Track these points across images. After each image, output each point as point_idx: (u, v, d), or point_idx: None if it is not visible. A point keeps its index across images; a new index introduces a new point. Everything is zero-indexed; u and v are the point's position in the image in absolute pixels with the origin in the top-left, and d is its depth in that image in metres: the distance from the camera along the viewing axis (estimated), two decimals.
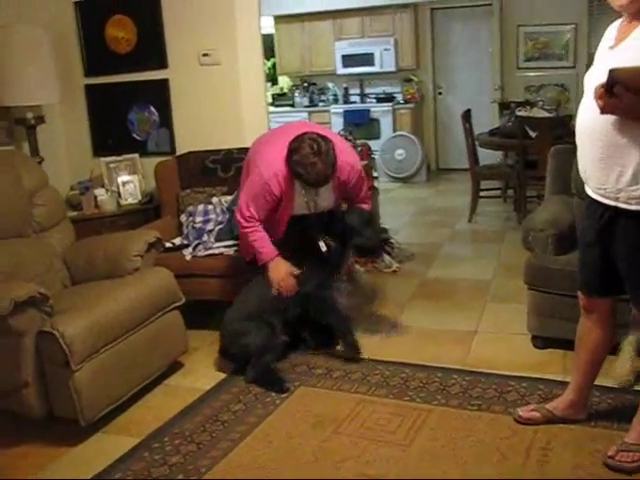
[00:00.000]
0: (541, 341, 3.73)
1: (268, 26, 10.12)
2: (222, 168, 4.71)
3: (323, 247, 3.77)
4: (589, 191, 2.62)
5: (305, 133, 3.54)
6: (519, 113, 6.27)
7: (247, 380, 3.55)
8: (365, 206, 3.93)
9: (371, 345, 3.91)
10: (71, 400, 2.98)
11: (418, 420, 3.07)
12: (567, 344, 3.53)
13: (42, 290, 2.99)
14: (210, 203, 4.53)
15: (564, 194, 4.07)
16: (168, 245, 4.30)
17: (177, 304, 3.66)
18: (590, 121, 2.46)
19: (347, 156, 3.73)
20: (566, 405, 2.94)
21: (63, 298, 3.42)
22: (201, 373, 3.75)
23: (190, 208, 4.53)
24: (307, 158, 3.44)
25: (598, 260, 2.65)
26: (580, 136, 2.56)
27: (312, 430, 3.06)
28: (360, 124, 9.39)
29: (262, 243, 3.66)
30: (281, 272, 3.66)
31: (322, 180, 3.53)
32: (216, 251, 4.18)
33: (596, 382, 2.92)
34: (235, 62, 4.75)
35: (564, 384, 3.20)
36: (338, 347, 3.86)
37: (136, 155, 5.05)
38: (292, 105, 10.32)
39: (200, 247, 4.25)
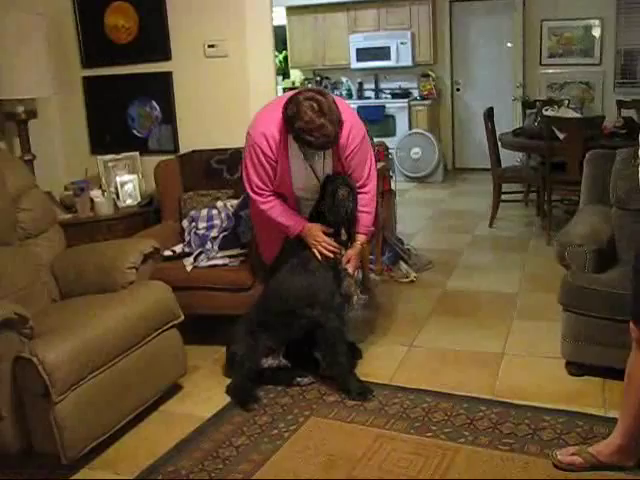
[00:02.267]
0: (577, 368, 3.36)
1: (280, 17, 9.76)
2: (228, 169, 4.35)
3: (344, 235, 3.44)
4: None
5: (299, 93, 3.16)
6: (546, 113, 5.88)
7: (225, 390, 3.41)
8: (367, 188, 3.47)
9: (388, 368, 3.57)
10: (52, 435, 2.64)
11: (443, 462, 2.72)
12: (606, 372, 3.24)
13: (20, 311, 2.64)
14: (214, 207, 4.17)
15: (600, 204, 3.73)
16: (167, 253, 3.96)
17: (175, 322, 3.31)
18: None
19: (346, 114, 3.28)
20: (612, 450, 2.58)
21: (48, 316, 3.10)
22: (201, 397, 3.41)
23: (193, 212, 4.17)
24: (313, 122, 3.04)
25: None
26: None
27: (323, 472, 2.71)
28: (375, 121, 8.99)
29: (286, 216, 3.35)
30: (317, 236, 3.33)
31: (331, 141, 3.13)
32: (219, 262, 3.83)
33: None
34: (244, 54, 4.38)
35: (605, 420, 2.90)
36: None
37: (136, 153, 4.70)
38: None
39: (202, 256, 3.89)
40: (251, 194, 3.34)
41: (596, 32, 8.22)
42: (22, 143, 4.35)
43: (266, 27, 4.50)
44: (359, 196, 3.41)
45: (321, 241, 3.34)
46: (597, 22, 8.18)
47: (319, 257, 3.34)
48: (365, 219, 3.49)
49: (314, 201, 3.43)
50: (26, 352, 2.61)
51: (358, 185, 3.42)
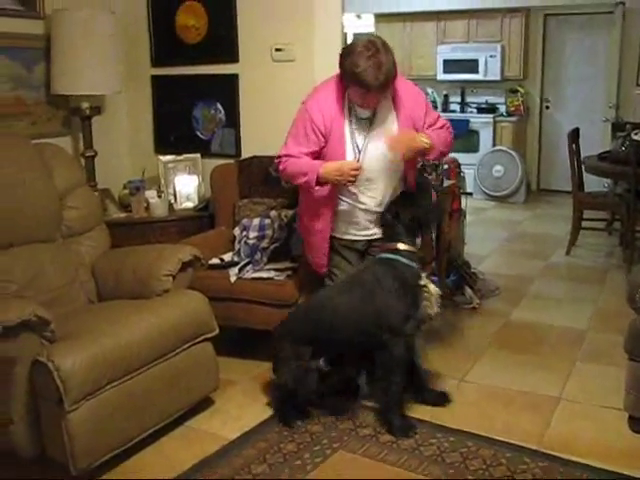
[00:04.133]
0: None
1: (369, 24, 9.60)
2: None
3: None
4: None
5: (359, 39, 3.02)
6: (635, 137, 5.46)
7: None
8: (445, 134, 3.25)
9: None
10: (63, 444, 2.54)
11: None
12: None
13: (40, 313, 2.55)
14: (268, 217, 4.02)
15: None
16: (215, 261, 3.84)
17: (209, 336, 3.17)
18: None
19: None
20: None
21: (79, 318, 3.01)
22: (230, 415, 3.26)
23: (245, 221, 4.04)
24: (362, 55, 2.87)
25: None
26: None
27: None
28: (458, 135, 8.64)
29: (303, 165, 3.09)
30: (338, 169, 3.04)
31: (384, 78, 2.88)
32: (264, 274, 3.67)
33: None
34: (311, 59, 4.21)
35: None
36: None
37: (197, 155, 4.61)
38: None
39: (249, 267, 3.75)
40: (281, 158, 3.14)
41: None
42: (85, 139, 4.33)
43: (335, 32, 4.31)
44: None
45: (340, 175, 3.04)
46: None
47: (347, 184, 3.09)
48: (438, 133, 3.20)
49: (382, 182, 3.18)
50: (43, 356, 2.52)
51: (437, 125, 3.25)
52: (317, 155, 3.12)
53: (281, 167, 3.16)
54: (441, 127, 3.26)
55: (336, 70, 4.34)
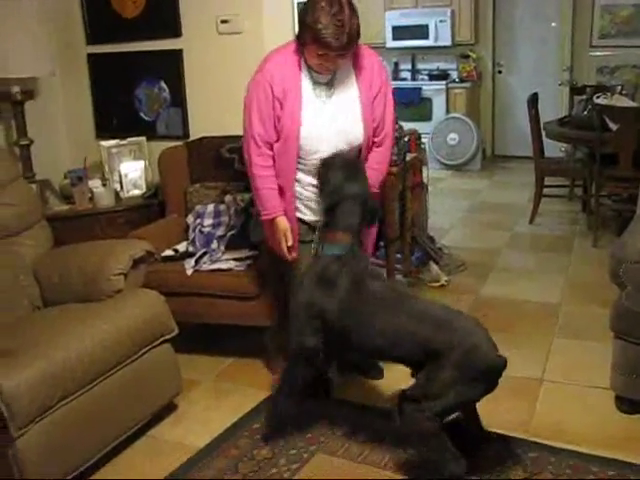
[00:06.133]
0: (629, 404, 2.89)
1: None
2: (240, 159, 3.89)
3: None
4: None
5: None
6: (598, 101, 5.32)
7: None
8: (385, 145, 2.97)
9: None
10: (11, 475, 2.27)
11: None
12: None
13: None
14: (222, 202, 3.76)
15: None
16: (168, 253, 3.57)
17: (168, 337, 2.91)
18: None
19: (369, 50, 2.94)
20: None
21: (21, 328, 2.73)
22: (196, 420, 3.03)
23: (198, 207, 3.77)
24: (325, 11, 2.59)
25: None
26: None
27: None
28: (410, 104, 8.51)
29: (269, 194, 2.84)
30: (282, 235, 2.85)
31: (346, 39, 2.61)
32: (224, 266, 3.41)
33: None
34: (260, 31, 3.91)
35: None
36: None
37: (143, 138, 4.29)
38: None
39: (206, 258, 3.48)
40: (250, 142, 2.82)
41: None
42: (18, 126, 3.98)
43: (285, 1, 4.04)
44: (374, 151, 2.96)
45: (281, 245, 2.86)
46: None
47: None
48: (375, 176, 2.95)
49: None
50: None
51: (377, 140, 2.94)
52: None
53: (256, 160, 2.82)
54: (379, 144, 2.97)
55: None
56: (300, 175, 2.90)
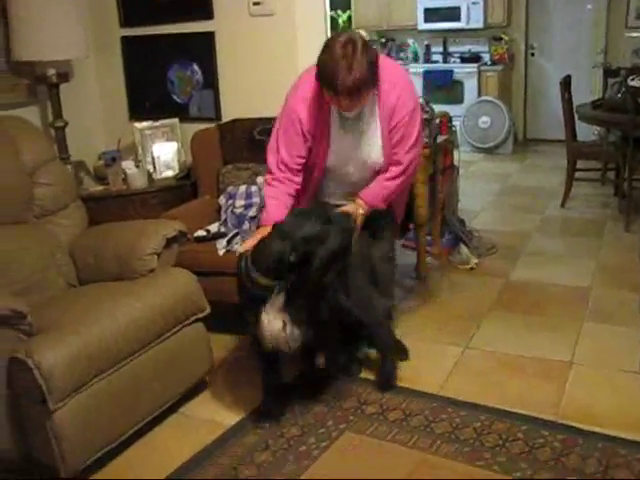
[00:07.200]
0: None
1: None
2: None
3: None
4: None
5: (343, 33, 2.71)
6: (632, 83, 5.24)
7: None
8: (400, 167, 2.93)
9: (438, 374, 3.15)
10: (50, 446, 2.34)
11: None
12: None
13: (14, 306, 2.32)
14: (254, 183, 3.79)
15: None
16: (201, 234, 3.61)
17: (200, 316, 2.96)
18: None
19: (397, 76, 2.88)
20: None
21: (58, 306, 2.79)
22: (227, 398, 3.07)
23: (230, 189, 3.81)
24: (336, 53, 2.58)
25: None
26: None
27: None
28: (441, 86, 8.47)
29: (273, 205, 2.86)
30: (258, 232, 2.83)
31: (352, 83, 2.57)
32: None
33: None
34: (292, 12, 3.92)
35: None
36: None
37: (175, 120, 4.34)
38: None
39: (238, 238, 3.52)
40: (271, 168, 2.90)
41: None
42: (53, 108, 4.05)
43: None
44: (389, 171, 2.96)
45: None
46: None
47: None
48: (378, 191, 2.97)
49: (360, 180, 2.99)
50: (21, 353, 2.30)
51: (393, 160, 2.94)
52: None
53: (271, 182, 2.92)
54: (392, 178, 2.96)
55: (320, 25, 4.08)
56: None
